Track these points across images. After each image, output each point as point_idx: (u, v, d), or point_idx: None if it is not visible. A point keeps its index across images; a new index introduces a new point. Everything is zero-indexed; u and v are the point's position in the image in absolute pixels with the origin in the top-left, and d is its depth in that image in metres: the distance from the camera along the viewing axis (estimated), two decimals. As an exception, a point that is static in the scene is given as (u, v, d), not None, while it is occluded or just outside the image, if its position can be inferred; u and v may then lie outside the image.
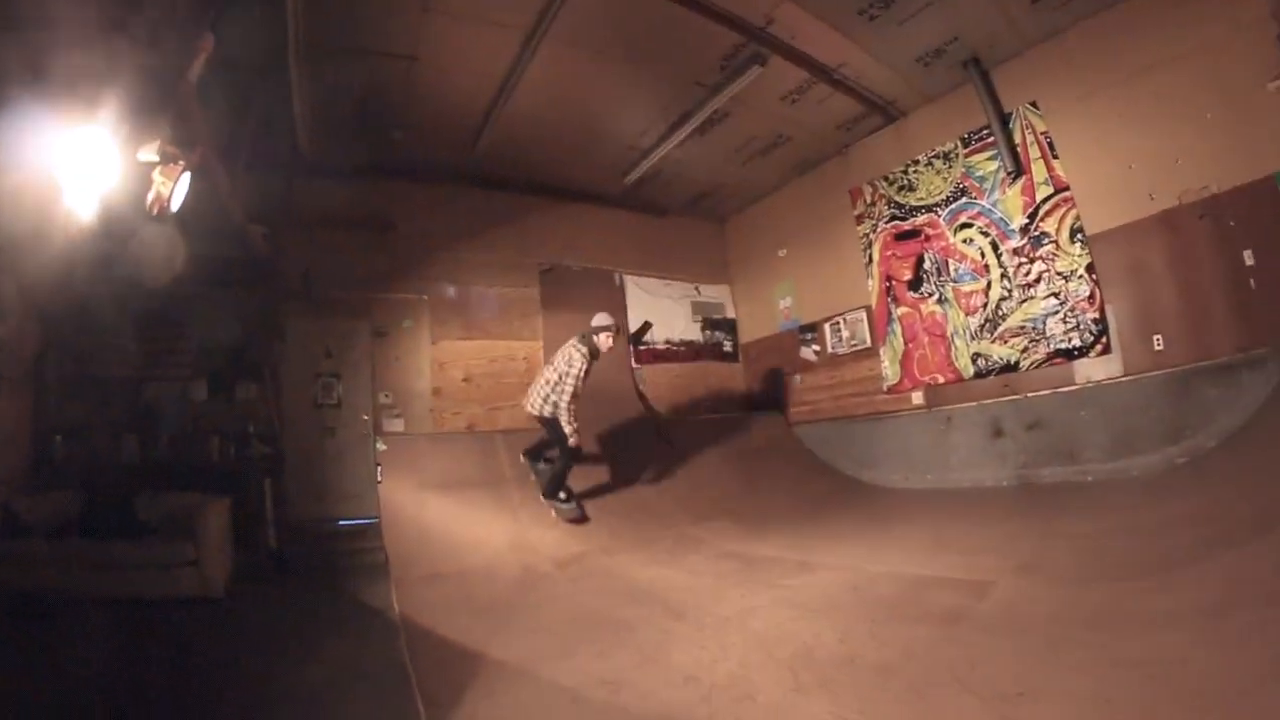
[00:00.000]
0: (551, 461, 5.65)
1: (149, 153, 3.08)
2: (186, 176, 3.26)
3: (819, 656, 2.60)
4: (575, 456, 5.39)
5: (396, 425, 6.55)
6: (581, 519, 5.46)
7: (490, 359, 7.37)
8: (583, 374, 5.28)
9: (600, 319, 5.64)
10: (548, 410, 5.29)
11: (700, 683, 2.49)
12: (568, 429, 5.18)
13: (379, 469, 5.68)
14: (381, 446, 5.93)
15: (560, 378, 5.30)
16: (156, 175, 3.13)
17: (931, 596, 3.15)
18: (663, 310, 8.94)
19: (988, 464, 6.18)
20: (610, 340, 5.52)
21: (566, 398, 5.19)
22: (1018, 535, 4.19)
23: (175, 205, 3.33)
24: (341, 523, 5.92)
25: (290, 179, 6.56)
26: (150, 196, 3.16)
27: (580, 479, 5.85)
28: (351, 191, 6.91)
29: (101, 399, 5.23)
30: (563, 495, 5.43)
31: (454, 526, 5.20)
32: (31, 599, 3.56)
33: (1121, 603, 2.67)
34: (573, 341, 5.45)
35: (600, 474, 6.40)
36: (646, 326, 8.71)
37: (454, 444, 6.44)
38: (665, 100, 6.47)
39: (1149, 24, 5.51)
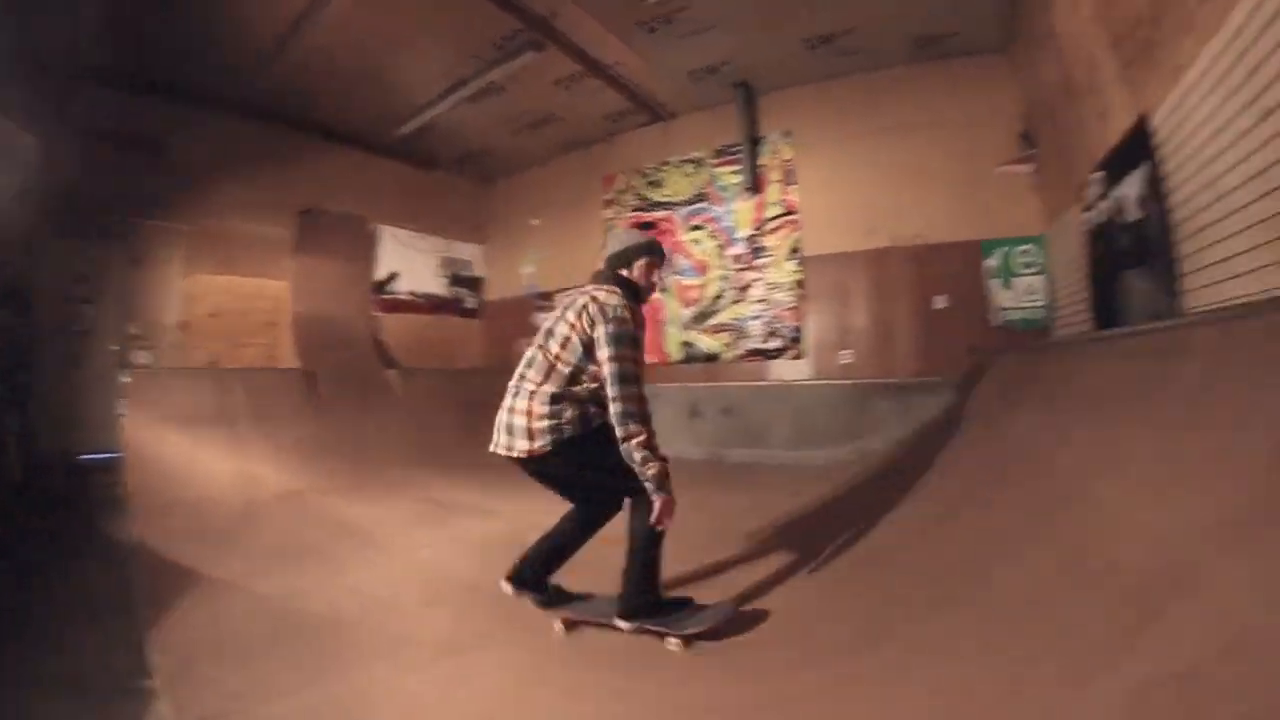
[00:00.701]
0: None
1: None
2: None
3: (454, 582, 3.71)
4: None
5: (144, 358, 6.93)
6: (731, 616, 2.89)
7: (239, 295, 7.85)
8: (637, 331, 2.71)
9: (628, 236, 3.08)
10: (568, 426, 2.66)
11: (363, 594, 3.58)
12: (637, 456, 2.56)
13: (123, 402, 5.82)
14: (126, 379, 6.08)
15: (563, 345, 2.74)
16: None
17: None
18: (410, 261, 9.59)
19: (685, 439, 7.55)
20: (656, 276, 3.04)
21: (617, 389, 2.59)
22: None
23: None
24: (86, 456, 6.25)
25: (65, 87, 6.43)
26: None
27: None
28: (127, 109, 7.01)
29: None
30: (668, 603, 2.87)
31: (190, 460, 5.70)
32: None
33: (706, 554, 3.83)
34: (586, 290, 2.85)
35: (329, 421, 7.10)
36: (392, 276, 9.38)
37: (197, 380, 6.74)
38: (444, 65, 7.18)
39: (917, 90, 6.71)
